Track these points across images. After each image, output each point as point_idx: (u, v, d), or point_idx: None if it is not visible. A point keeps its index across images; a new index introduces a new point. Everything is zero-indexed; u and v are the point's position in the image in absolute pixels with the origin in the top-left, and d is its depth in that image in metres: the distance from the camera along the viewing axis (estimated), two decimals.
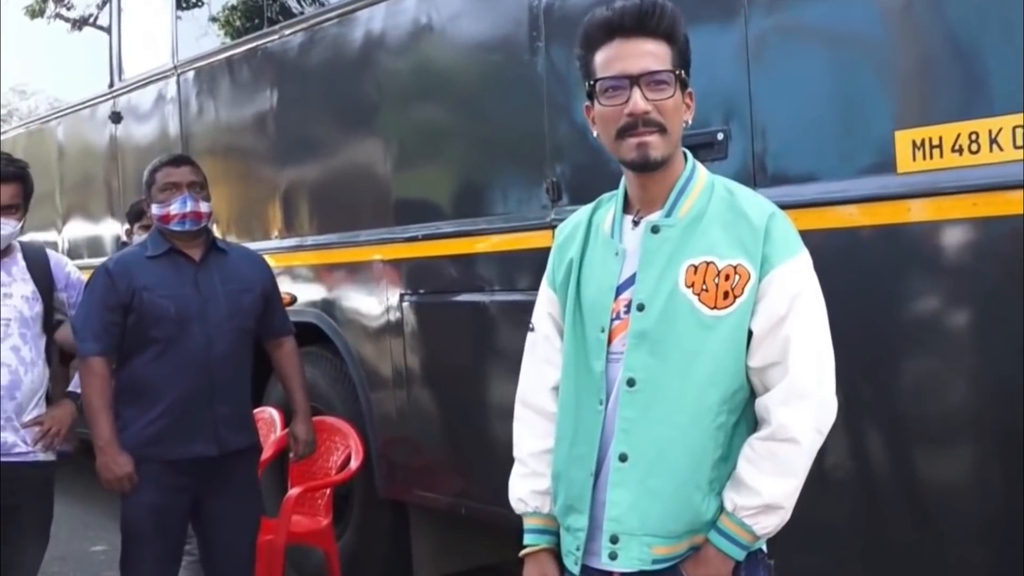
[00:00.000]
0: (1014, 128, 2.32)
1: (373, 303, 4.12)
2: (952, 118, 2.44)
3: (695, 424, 1.74)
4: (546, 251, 3.36)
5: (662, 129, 1.75)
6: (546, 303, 1.96)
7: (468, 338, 3.81)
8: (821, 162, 2.72)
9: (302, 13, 4.54)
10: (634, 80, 1.74)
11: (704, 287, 1.73)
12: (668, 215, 1.79)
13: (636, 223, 1.82)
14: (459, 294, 3.80)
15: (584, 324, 1.84)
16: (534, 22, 3.42)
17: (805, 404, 1.73)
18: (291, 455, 3.66)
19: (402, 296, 3.98)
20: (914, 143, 2.49)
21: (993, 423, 2.45)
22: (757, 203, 1.80)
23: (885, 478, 2.65)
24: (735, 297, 1.73)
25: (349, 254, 4.25)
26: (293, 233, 4.59)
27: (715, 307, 1.73)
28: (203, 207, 3.22)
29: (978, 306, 2.48)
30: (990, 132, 2.37)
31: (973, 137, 2.40)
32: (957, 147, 2.43)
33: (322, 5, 4.46)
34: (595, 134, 1.84)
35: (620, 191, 1.88)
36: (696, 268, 1.74)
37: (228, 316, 3.22)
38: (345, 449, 4.17)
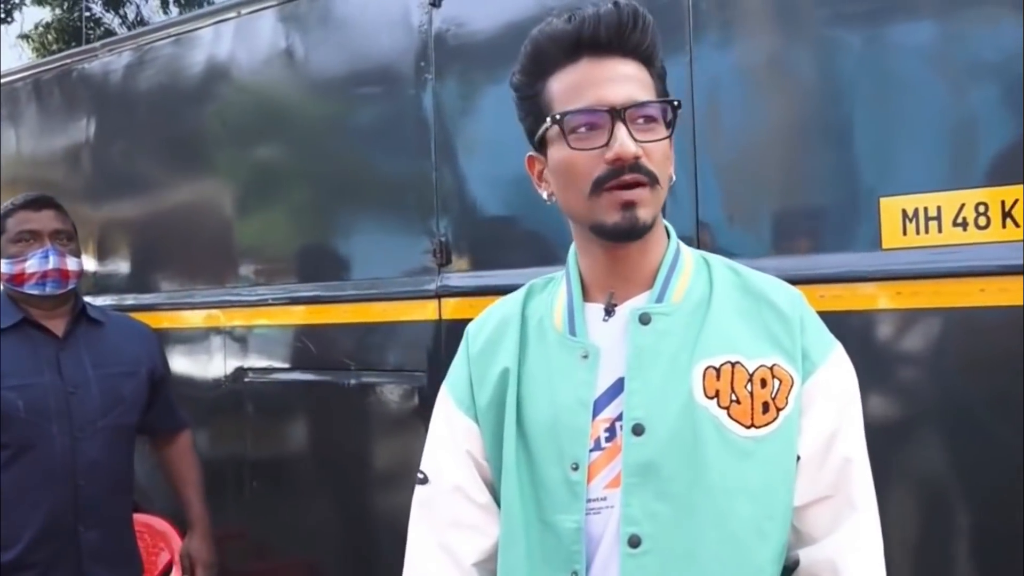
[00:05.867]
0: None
1: (206, 379, 3.42)
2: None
3: None
4: (429, 325, 2.89)
5: (653, 181, 1.22)
6: (459, 437, 1.35)
7: (326, 425, 3.17)
8: (786, 232, 2.28)
9: (134, 27, 3.83)
10: (616, 114, 1.20)
11: (734, 397, 1.23)
12: (659, 300, 1.27)
13: (609, 312, 1.28)
14: (317, 372, 3.15)
15: (535, 462, 1.28)
16: (422, 50, 2.87)
17: (879, 554, 1.27)
18: None
19: (243, 372, 3.30)
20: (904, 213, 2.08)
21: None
22: (777, 284, 1.32)
23: None
24: (778, 409, 1.23)
25: (176, 319, 3.53)
26: (104, 291, 3.82)
27: (752, 424, 1.23)
28: (71, 264, 2.44)
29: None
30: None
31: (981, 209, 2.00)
32: (960, 220, 2.02)
33: (165, 17, 3.76)
34: (546, 195, 1.30)
35: (572, 272, 1.34)
36: (718, 371, 1.23)
37: (101, 411, 2.43)
38: (164, 554, 3.38)
